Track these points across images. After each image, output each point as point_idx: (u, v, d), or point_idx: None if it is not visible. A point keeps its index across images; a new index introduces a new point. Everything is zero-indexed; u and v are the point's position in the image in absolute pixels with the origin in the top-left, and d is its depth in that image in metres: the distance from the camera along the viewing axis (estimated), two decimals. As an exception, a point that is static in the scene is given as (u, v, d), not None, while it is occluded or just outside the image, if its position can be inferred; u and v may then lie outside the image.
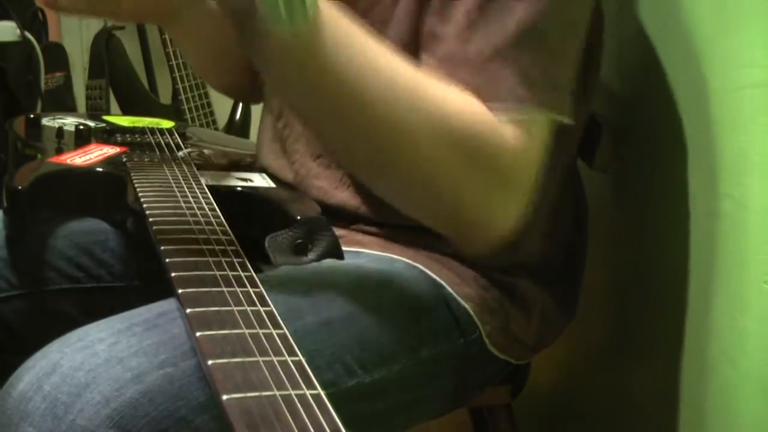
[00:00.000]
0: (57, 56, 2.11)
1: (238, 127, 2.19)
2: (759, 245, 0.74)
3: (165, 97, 2.28)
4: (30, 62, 1.95)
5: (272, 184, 0.88)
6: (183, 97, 2.19)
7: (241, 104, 2.20)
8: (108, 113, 1.84)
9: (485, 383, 0.88)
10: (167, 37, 2.16)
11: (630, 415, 1.00)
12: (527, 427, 1.12)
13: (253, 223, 0.81)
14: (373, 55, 0.63)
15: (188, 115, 2.19)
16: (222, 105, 2.24)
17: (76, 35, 2.53)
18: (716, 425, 0.81)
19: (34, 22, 2.03)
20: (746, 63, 0.75)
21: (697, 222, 0.82)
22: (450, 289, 0.80)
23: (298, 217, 0.76)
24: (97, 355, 0.60)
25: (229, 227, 0.70)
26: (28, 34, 1.91)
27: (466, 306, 0.80)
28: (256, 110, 1.96)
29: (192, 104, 2.21)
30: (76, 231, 0.91)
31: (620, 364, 1.03)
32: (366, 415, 0.73)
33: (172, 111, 2.19)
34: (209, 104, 2.25)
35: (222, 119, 2.24)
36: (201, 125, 2.21)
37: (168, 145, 0.99)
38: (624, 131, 0.92)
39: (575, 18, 0.71)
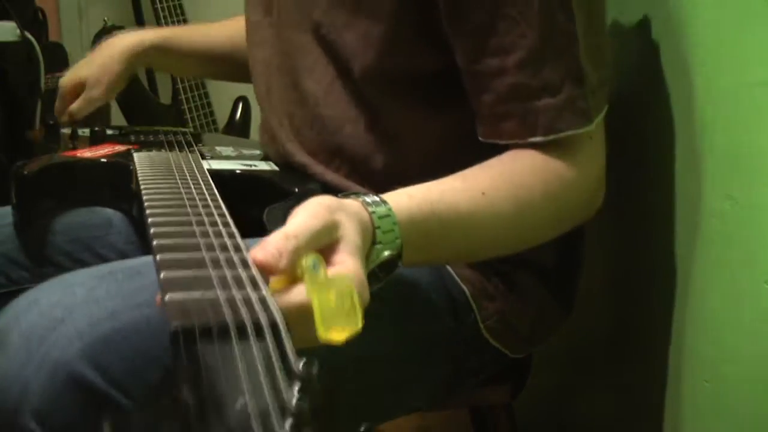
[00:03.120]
0: (57, 56, 2.10)
1: (238, 127, 2.19)
2: (759, 245, 0.74)
3: (165, 97, 2.27)
4: (30, 62, 1.94)
5: (276, 169, 0.89)
6: (183, 97, 2.19)
7: (241, 104, 2.19)
8: (108, 113, 1.84)
9: (479, 372, 0.87)
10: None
11: (629, 415, 1.00)
12: (527, 427, 1.12)
13: (254, 203, 0.81)
14: (457, 211, 0.68)
15: (188, 115, 2.19)
16: (222, 105, 2.24)
17: (76, 35, 2.53)
18: (716, 425, 0.81)
19: (34, 22, 2.03)
20: (748, 62, 0.75)
21: (698, 222, 0.82)
22: (450, 269, 0.80)
23: (296, 190, 0.77)
24: (75, 295, 0.61)
25: (232, 209, 0.69)
26: (28, 34, 1.91)
27: (464, 288, 0.80)
28: (256, 111, 1.96)
29: (192, 104, 2.20)
30: (76, 226, 0.92)
31: (620, 364, 1.03)
32: (354, 391, 0.72)
33: (172, 111, 2.19)
34: (209, 104, 2.24)
35: (222, 119, 2.24)
36: (201, 125, 2.21)
37: (179, 142, 1.00)
38: (625, 130, 0.92)
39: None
